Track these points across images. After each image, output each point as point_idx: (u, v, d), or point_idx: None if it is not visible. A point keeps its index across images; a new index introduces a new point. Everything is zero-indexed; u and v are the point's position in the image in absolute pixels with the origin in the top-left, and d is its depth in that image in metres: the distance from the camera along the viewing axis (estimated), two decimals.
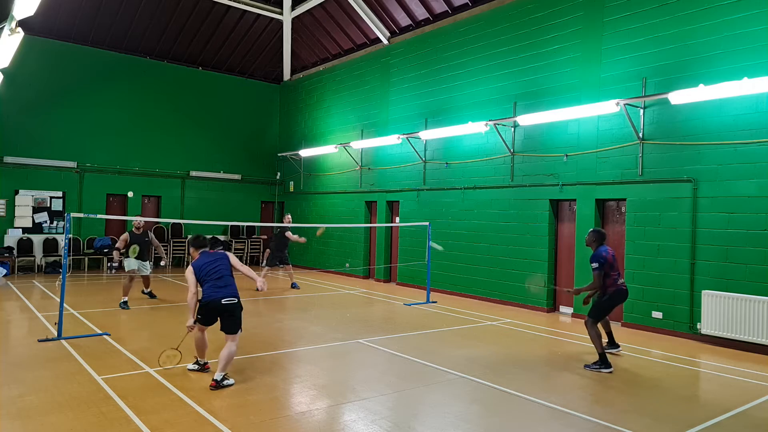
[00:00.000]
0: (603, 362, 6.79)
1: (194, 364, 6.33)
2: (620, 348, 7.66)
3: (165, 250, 16.23)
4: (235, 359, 6.83)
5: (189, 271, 6.15)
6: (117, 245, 10.80)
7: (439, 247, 11.75)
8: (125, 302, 10.24)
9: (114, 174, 16.84)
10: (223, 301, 5.90)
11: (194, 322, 6.00)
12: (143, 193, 17.45)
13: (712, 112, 8.62)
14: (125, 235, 10.64)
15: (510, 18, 11.85)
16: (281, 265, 13.58)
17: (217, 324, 6.07)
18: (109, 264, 15.97)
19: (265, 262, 18.35)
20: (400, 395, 5.71)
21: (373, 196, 15.65)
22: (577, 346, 8.03)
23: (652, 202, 9.34)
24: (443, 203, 13.24)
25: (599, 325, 7.15)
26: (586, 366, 6.91)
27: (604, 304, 7.06)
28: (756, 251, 8.04)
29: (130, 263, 10.50)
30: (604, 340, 7.38)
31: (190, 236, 7.22)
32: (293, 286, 13.44)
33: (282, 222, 13.16)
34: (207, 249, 6.45)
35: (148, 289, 11.36)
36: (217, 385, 5.66)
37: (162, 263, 12.01)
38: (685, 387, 6.42)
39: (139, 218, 10.62)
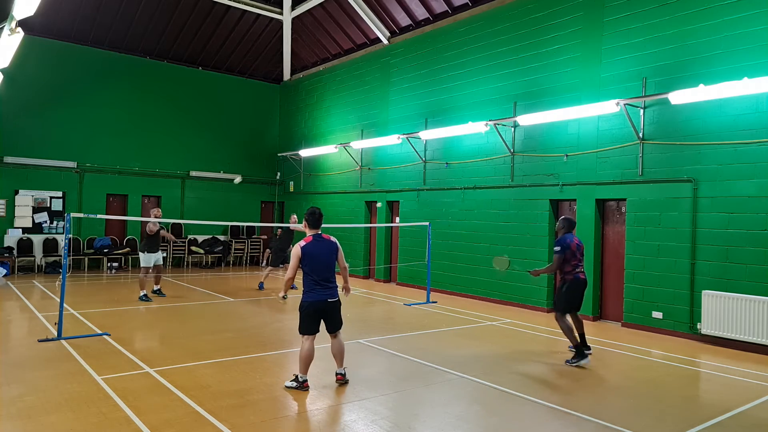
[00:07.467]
0: (579, 355, 6.93)
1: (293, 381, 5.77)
2: (591, 351, 7.35)
3: (164, 249, 16.26)
4: (236, 359, 6.86)
5: (296, 254, 5.72)
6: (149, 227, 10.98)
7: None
8: (145, 295, 10.77)
9: (114, 174, 16.83)
10: (329, 300, 5.86)
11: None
12: (143, 193, 17.44)
13: (712, 112, 8.62)
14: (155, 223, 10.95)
15: (510, 18, 11.85)
16: (282, 265, 13.40)
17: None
18: (109, 264, 15.98)
19: (265, 262, 18.45)
20: (400, 395, 5.71)
21: (373, 196, 15.64)
22: None
23: (652, 202, 9.34)
24: (443, 203, 13.24)
25: (569, 319, 7.20)
26: (566, 361, 7.02)
27: (564, 295, 7.19)
28: (756, 251, 8.04)
29: (145, 258, 10.83)
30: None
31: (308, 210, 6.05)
32: (260, 287, 13.14)
33: (289, 222, 12.99)
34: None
35: (158, 286, 11.49)
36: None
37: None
38: (685, 387, 6.42)
39: (156, 210, 10.98)
